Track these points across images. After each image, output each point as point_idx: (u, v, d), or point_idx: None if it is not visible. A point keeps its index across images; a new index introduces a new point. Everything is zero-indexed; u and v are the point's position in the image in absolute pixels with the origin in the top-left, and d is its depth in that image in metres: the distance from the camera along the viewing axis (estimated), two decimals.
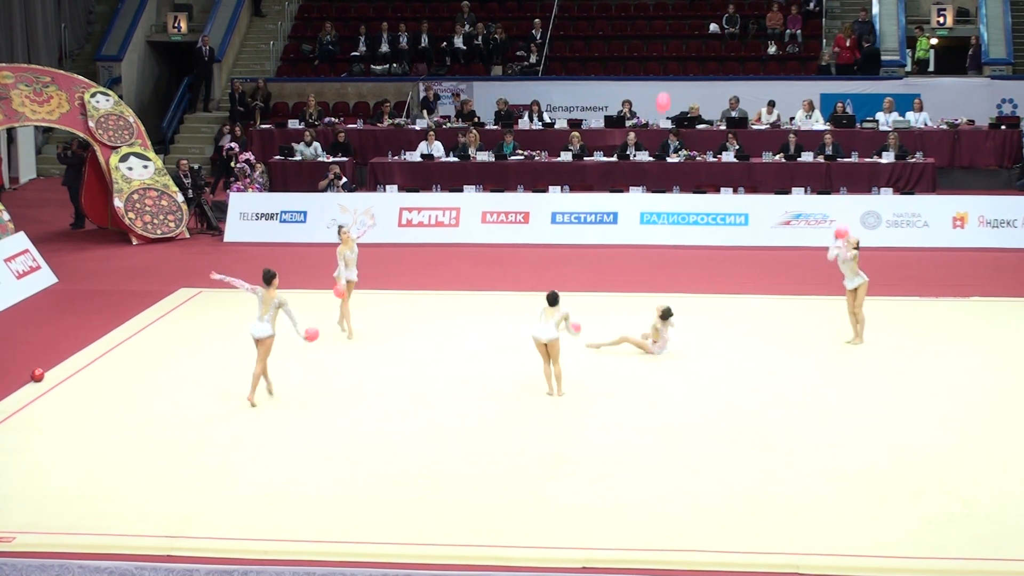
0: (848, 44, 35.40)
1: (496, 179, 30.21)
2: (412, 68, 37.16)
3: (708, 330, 19.94)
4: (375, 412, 16.78)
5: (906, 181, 29.54)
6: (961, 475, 14.48)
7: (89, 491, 14.23)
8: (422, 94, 35.48)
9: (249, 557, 12.66)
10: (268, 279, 17.13)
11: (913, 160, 29.99)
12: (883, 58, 35.58)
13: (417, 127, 32.98)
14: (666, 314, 18.91)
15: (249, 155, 29.80)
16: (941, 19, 37.64)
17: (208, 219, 28.75)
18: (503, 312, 21.20)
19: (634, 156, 30.60)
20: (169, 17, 39.53)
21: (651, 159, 30.54)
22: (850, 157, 30.25)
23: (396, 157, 31.34)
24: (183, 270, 25.03)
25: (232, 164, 29.56)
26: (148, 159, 28.43)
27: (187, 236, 28.06)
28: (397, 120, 33.70)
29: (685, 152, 30.55)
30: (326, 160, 30.91)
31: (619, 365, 18.63)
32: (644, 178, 29.76)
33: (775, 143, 30.78)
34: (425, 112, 34.36)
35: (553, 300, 17.18)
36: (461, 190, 28.67)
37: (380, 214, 27.58)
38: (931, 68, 37.45)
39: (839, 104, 32.49)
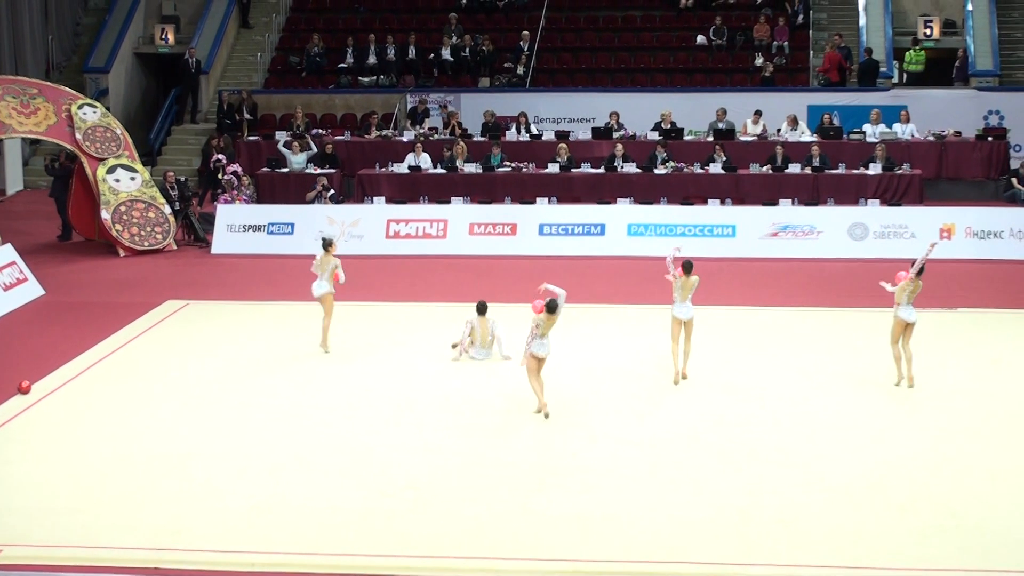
0: (828, 65, 35.52)
1: (483, 191, 30.21)
2: (400, 80, 37.19)
3: (695, 341, 19.89)
4: (363, 424, 16.76)
5: (893, 192, 29.60)
6: (949, 487, 14.49)
7: (77, 503, 14.19)
8: (410, 105, 35.46)
9: (237, 569, 12.64)
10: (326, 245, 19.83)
11: (900, 172, 30.05)
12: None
13: (404, 139, 32.98)
14: (687, 267, 18.44)
15: (236, 167, 29.78)
16: (928, 31, 37.75)
17: (195, 231, 28.71)
18: None
19: (621, 168, 30.62)
20: (156, 29, 39.54)
21: (638, 171, 30.56)
22: (837, 169, 30.31)
23: (383, 169, 31.33)
24: (170, 282, 25.00)
25: (219, 176, 29.54)
26: (135, 171, 28.40)
27: (174, 248, 28.02)
28: (385, 132, 33.71)
29: (672, 164, 30.58)
30: (313, 172, 30.89)
31: (606, 377, 18.62)
32: (631, 189, 29.78)
33: (762, 155, 30.82)
34: (410, 123, 34.37)
35: (554, 308, 16.87)
36: (448, 202, 28.67)
37: (367, 226, 27.66)
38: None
39: (826, 116, 32.57)
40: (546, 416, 16.78)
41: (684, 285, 18.31)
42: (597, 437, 16.17)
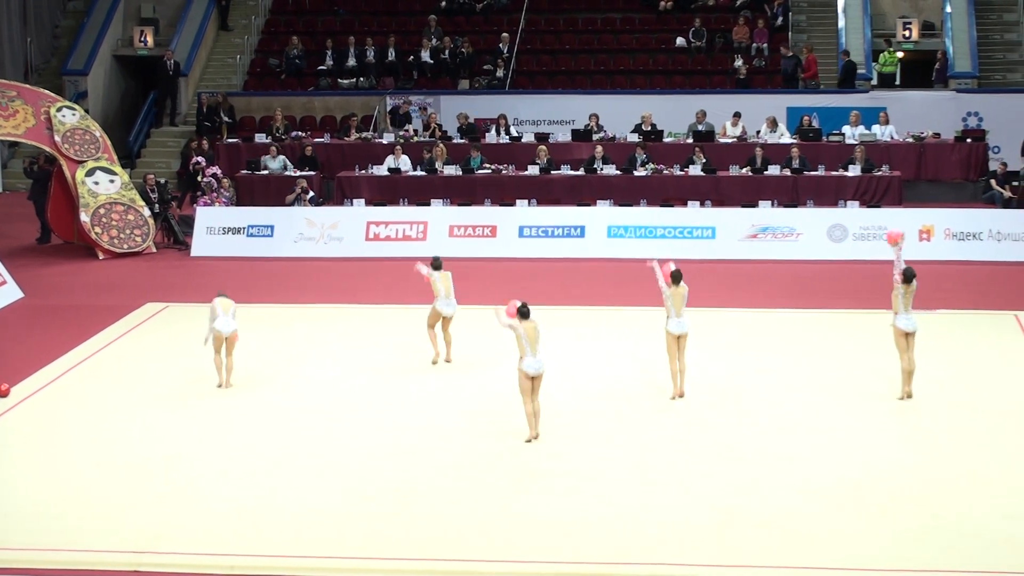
0: (815, 68, 35.55)
1: (463, 193, 30.17)
2: (379, 82, 37.14)
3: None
4: (344, 427, 16.74)
5: (872, 194, 29.67)
6: (930, 488, 14.52)
7: (57, 507, 14.15)
8: (391, 104, 35.41)
9: (218, 572, 12.63)
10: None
11: (879, 173, 30.11)
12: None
13: (384, 141, 32.93)
14: (676, 277, 17.75)
15: (216, 169, 29.72)
16: (907, 33, 37.85)
17: (175, 233, 28.63)
18: (470, 326, 21.10)
19: (601, 170, 30.63)
20: (135, 31, 39.42)
21: (618, 173, 30.56)
22: (817, 170, 30.35)
23: (363, 171, 31.27)
24: (149, 285, 24.94)
25: (199, 178, 29.48)
26: (114, 173, 28.31)
27: (154, 251, 27.95)
28: (364, 134, 33.67)
29: (652, 166, 30.58)
30: (293, 174, 30.85)
31: (588, 380, 18.62)
32: (611, 192, 29.78)
33: (742, 156, 30.86)
34: (390, 123, 34.35)
35: (527, 314, 16.04)
36: (428, 204, 28.65)
37: (347, 228, 27.67)
38: (897, 82, 37.59)
39: (805, 117, 32.59)
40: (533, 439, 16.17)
41: (675, 296, 17.67)
42: (580, 439, 16.16)
